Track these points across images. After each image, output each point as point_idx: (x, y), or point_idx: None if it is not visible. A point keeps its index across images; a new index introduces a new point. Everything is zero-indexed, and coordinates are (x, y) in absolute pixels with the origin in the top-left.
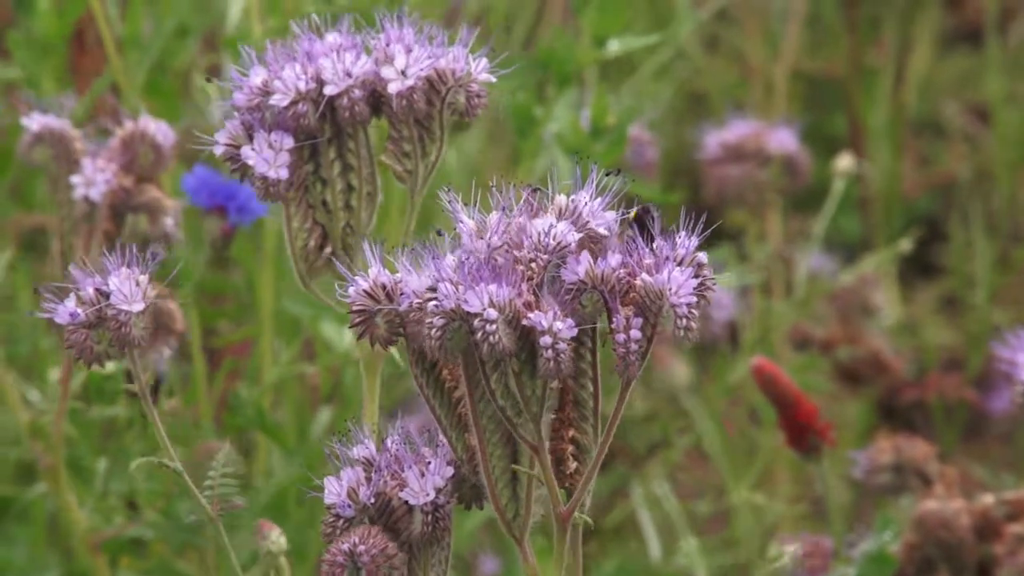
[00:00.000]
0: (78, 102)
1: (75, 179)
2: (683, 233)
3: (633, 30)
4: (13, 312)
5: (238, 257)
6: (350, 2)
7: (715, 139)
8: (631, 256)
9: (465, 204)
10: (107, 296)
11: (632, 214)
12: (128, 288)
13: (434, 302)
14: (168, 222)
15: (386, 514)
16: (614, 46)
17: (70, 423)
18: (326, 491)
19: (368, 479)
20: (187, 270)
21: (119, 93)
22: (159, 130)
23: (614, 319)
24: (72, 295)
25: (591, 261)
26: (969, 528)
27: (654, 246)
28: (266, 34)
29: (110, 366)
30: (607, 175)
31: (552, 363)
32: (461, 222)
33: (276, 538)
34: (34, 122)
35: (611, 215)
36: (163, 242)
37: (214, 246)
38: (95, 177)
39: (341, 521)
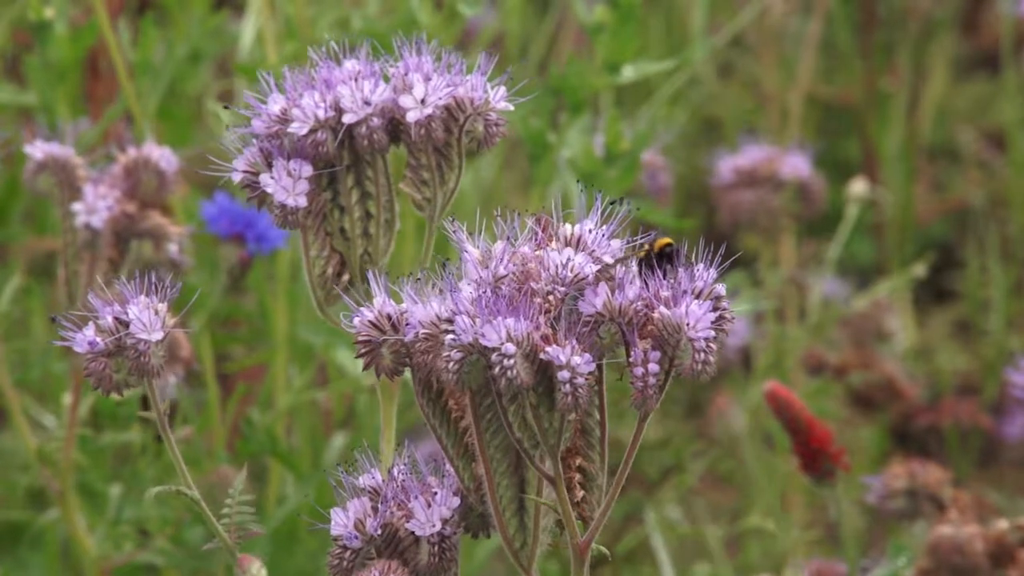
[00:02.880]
0: (91, 128)
1: (76, 206)
2: (701, 265)
3: (648, 56)
4: (25, 337)
5: (252, 283)
6: (365, 27)
7: (728, 164)
8: (648, 288)
9: (475, 232)
10: (127, 325)
11: (656, 246)
12: (147, 317)
13: (451, 336)
14: (172, 248)
15: (392, 545)
16: (628, 72)
17: (80, 450)
18: (332, 522)
19: (375, 509)
20: (201, 297)
21: (132, 119)
22: (163, 156)
23: (632, 352)
24: (91, 324)
25: (609, 294)
26: (983, 554)
27: (672, 278)
28: (282, 60)
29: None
30: (612, 203)
31: (570, 397)
32: (466, 251)
33: (256, 572)
34: (37, 150)
35: (617, 243)
36: (168, 268)
37: (231, 274)
38: (96, 204)
39: (348, 552)
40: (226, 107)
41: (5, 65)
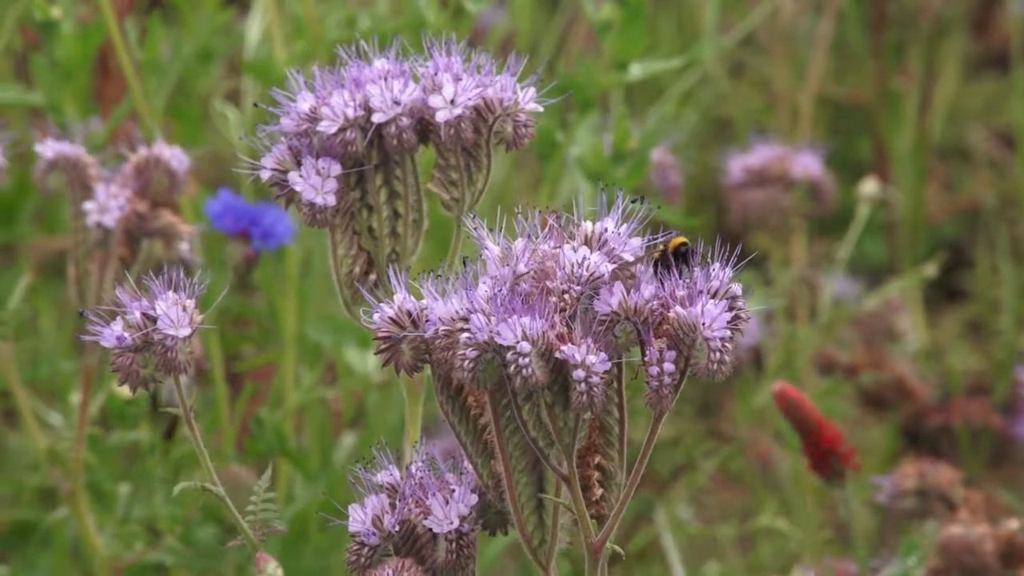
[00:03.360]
0: (100, 127)
1: (88, 206)
2: (717, 264)
3: (658, 55)
4: (34, 336)
5: (261, 282)
6: (373, 25)
7: (739, 164)
8: (664, 287)
9: (490, 230)
10: (154, 320)
11: (671, 245)
12: (175, 313)
13: (467, 334)
14: (183, 247)
15: (410, 542)
16: (635, 70)
17: (90, 449)
18: (350, 519)
19: (392, 506)
20: (209, 295)
21: (140, 118)
22: (173, 156)
23: (647, 352)
24: (119, 319)
25: (624, 293)
26: (994, 553)
27: (688, 278)
28: (291, 59)
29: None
30: (633, 202)
31: (585, 396)
32: (486, 248)
33: (272, 571)
34: (48, 149)
35: (637, 242)
36: (179, 267)
37: (237, 271)
38: (108, 203)
39: (366, 549)
40: (255, 104)
41: (13, 64)
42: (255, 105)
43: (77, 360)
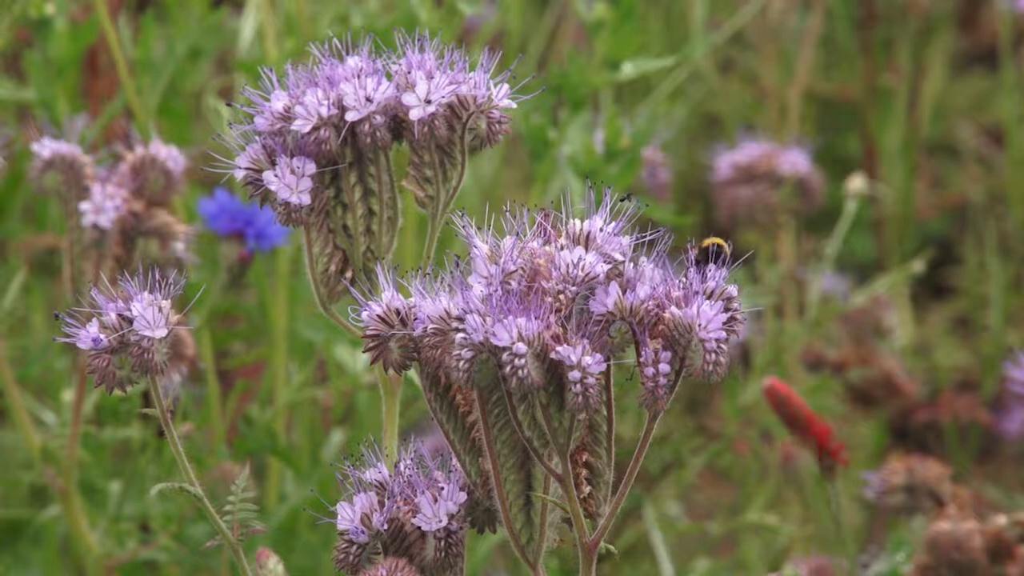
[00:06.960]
0: (90, 125)
1: (84, 206)
2: (713, 265)
3: (648, 52)
4: (26, 334)
5: (251, 280)
6: (365, 23)
7: (727, 160)
8: (659, 287)
9: (479, 228)
10: (130, 322)
11: (705, 243)
12: (151, 314)
13: (462, 334)
14: (178, 246)
15: (399, 540)
16: (628, 69)
17: (82, 446)
18: (339, 517)
19: (381, 504)
20: (202, 294)
21: (132, 116)
22: (169, 155)
23: (642, 352)
24: (95, 320)
25: (620, 293)
26: (982, 549)
27: (684, 278)
28: (282, 57)
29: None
30: (622, 200)
31: (581, 397)
32: (475, 247)
33: (274, 566)
34: (45, 149)
35: (625, 240)
36: (173, 266)
37: (231, 271)
38: (104, 204)
39: (354, 547)
40: (228, 104)
41: (5, 61)
42: (228, 104)
43: (70, 358)
